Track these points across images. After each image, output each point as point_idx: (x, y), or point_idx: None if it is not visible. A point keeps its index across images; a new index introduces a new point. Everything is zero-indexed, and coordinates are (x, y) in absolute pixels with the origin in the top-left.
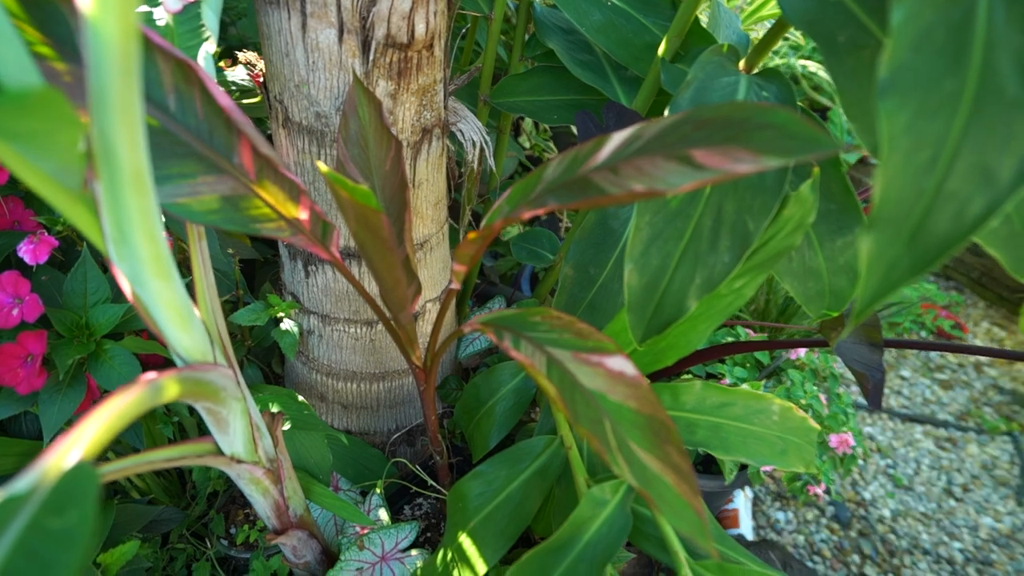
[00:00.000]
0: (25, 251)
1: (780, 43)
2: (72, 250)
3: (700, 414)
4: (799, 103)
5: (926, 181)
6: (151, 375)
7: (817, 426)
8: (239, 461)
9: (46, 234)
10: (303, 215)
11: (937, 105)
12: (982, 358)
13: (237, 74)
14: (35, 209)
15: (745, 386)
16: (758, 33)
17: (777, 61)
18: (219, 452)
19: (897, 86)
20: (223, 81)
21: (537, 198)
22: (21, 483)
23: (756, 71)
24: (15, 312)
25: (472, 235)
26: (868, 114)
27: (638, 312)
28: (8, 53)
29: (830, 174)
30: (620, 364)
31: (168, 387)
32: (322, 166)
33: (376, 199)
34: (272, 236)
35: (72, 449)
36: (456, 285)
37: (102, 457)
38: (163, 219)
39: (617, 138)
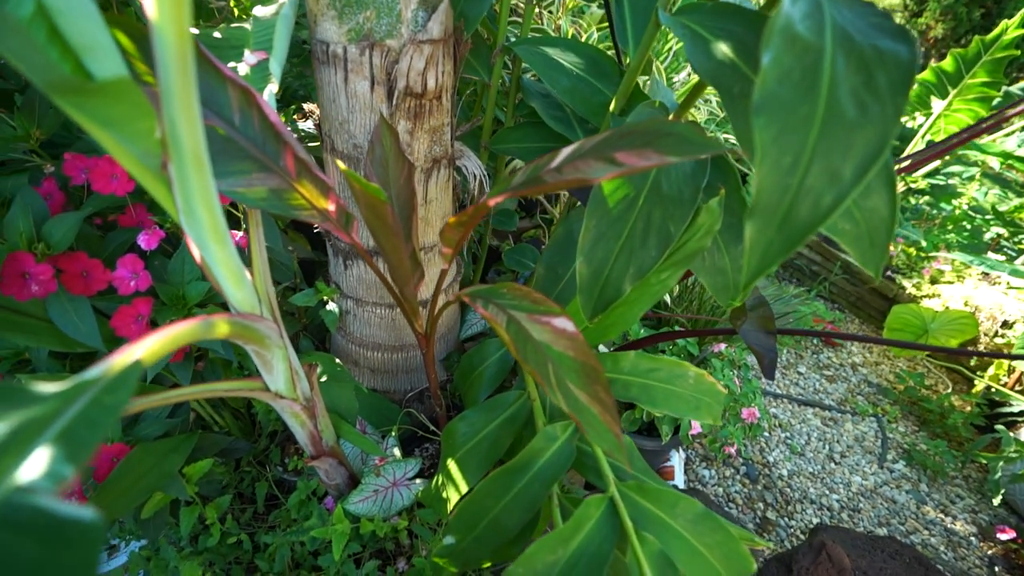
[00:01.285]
0: (142, 239)
1: (707, 118)
2: (179, 240)
3: (634, 376)
4: None
5: (790, 180)
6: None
7: (724, 390)
8: (281, 397)
9: (158, 228)
10: (331, 207)
11: (796, 123)
12: (856, 360)
13: (307, 124)
14: (153, 212)
15: (667, 357)
16: None
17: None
18: (266, 388)
19: (766, 108)
20: (296, 130)
21: (510, 189)
22: (94, 370)
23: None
24: (132, 283)
25: (452, 219)
26: (752, 141)
27: (587, 294)
28: (101, 54)
29: (733, 196)
30: (563, 323)
31: (219, 325)
32: (341, 164)
33: (383, 193)
34: (306, 220)
35: (135, 353)
36: (445, 265)
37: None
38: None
39: (566, 150)
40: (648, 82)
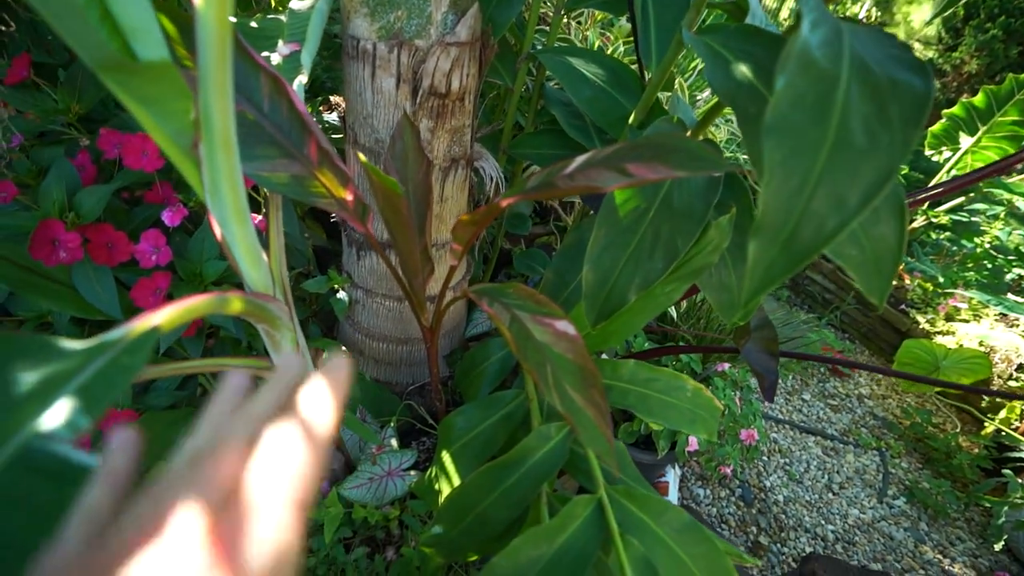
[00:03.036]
0: (166, 215)
1: (728, 138)
2: (200, 220)
3: (632, 384)
4: None
5: (796, 201)
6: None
7: (721, 406)
8: None
9: (182, 206)
10: (348, 196)
11: (805, 147)
12: (863, 391)
13: (332, 116)
14: (178, 191)
15: (667, 369)
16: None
17: (727, 155)
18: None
19: (777, 130)
20: (320, 120)
21: (523, 192)
22: (115, 333)
23: (699, 139)
24: (153, 257)
25: (464, 217)
26: (761, 161)
27: (591, 301)
28: (146, 36)
29: (744, 215)
30: (565, 326)
31: (233, 301)
32: (361, 156)
33: (400, 187)
34: (324, 208)
35: (153, 320)
36: (454, 262)
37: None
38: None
39: (580, 158)
40: (669, 98)
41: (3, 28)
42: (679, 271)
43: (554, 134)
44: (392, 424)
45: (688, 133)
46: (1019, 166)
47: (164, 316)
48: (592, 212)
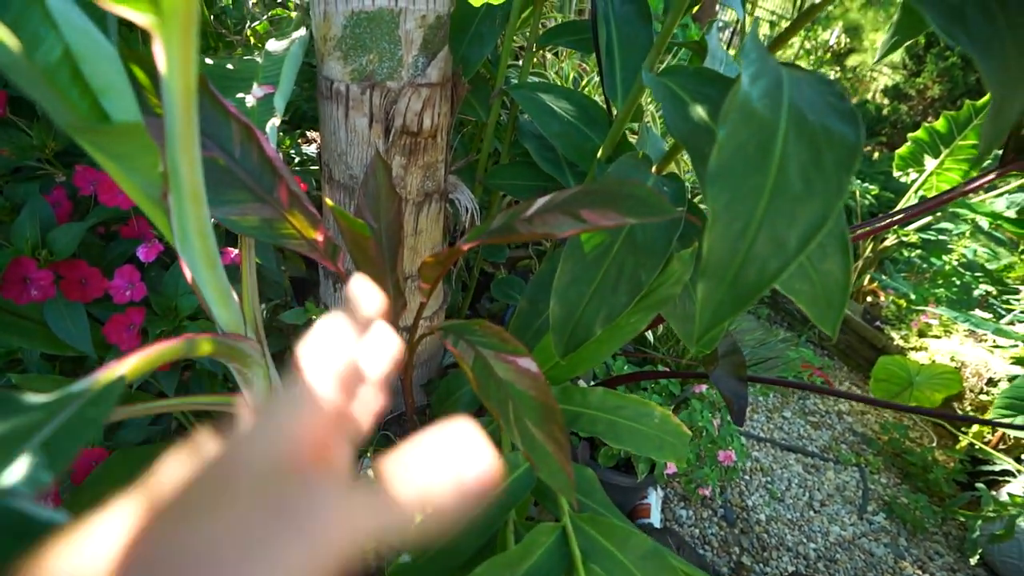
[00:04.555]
0: (141, 251)
1: None
2: (175, 254)
3: (601, 411)
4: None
5: (739, 244)
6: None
7: (688, 432)
8: None
9: (157, 242)
10: (319, 237)
11: (746, 193)
12: (843, 407)
13: (311, 148)
14: (153, 226)
15: (634, 396)
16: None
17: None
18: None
19: (720, 177)
20: (299, 153)
21: (485, 235)
22: (79, 384)
23: (664, 173)
24: (127, 293)
25: (429, 259)
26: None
27: (559, 333)
28: (116, 95)
29: None
30: (527, 364)
31: (202, 344)
32: (328, 201)
33: (368, 229)
34: (295, 250)
35: (119, 369)
36: (424, 299)
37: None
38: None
39: (540, 201)
40: (639, 129)
41: None
42: (643, 302)
43: (528, 166)
44: (368, 455)
45: (653, 168)
46: (983, 185)
47: (130, 365)
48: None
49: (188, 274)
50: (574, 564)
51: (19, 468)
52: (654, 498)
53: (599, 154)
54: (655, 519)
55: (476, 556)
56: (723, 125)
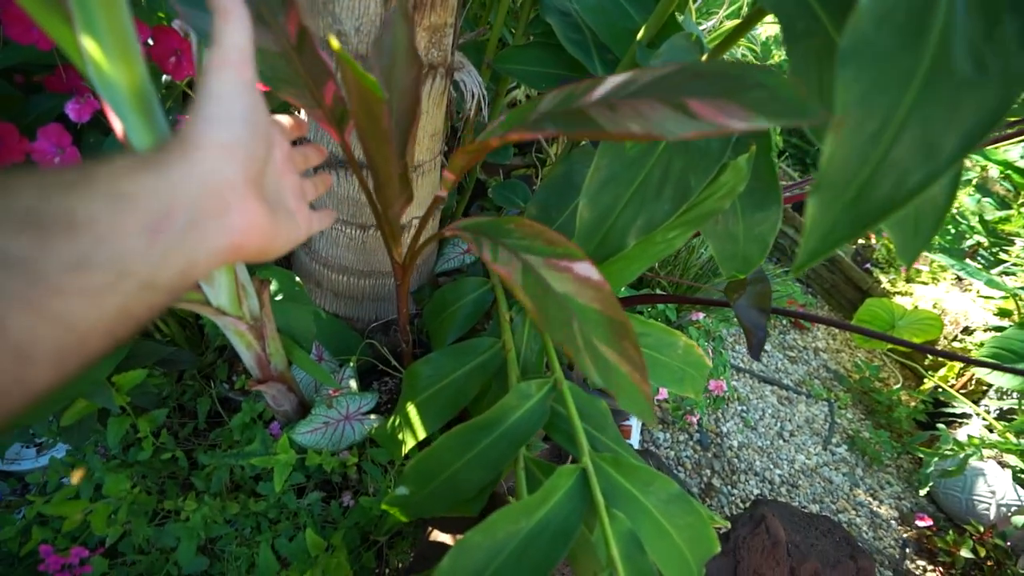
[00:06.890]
0: (71, 109)
1: None
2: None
3: None
4: None
5: (872, 150)
6: None
7: (710, 363)
8: (224, 313)
9: (92, 98)
10: (327, 93)
11: (892, 79)
12: (820, 344)
13: None
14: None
15: (658, 323)
16: None
17: None
18: (206, 302)
19: (856, 57)
20: None
21: (534, 123)
22: None
23: None
24: (56, 160)
25: (467, 147)
26: (812, 92)
27: (585, 242)
28: None
29: (762, 157)
30: (586, 270)
31: None
32: (334, 42)
33: (381, 90)
34: (294, 102)
35: None
36: (443, 192)
37: None
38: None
39: (612, 80)
40: (682, 19)
41: None
42: (686, 215)
43: (547, 48)
44: (351, 364)
45: (703, 58)
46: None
47: None
48: (583, 143)
49: (117, 125)
50: (596, 509)
51: None
52: (635, 420)
53: (639, 35)
54: (635, 441)
55: (482, 491)
56: None
